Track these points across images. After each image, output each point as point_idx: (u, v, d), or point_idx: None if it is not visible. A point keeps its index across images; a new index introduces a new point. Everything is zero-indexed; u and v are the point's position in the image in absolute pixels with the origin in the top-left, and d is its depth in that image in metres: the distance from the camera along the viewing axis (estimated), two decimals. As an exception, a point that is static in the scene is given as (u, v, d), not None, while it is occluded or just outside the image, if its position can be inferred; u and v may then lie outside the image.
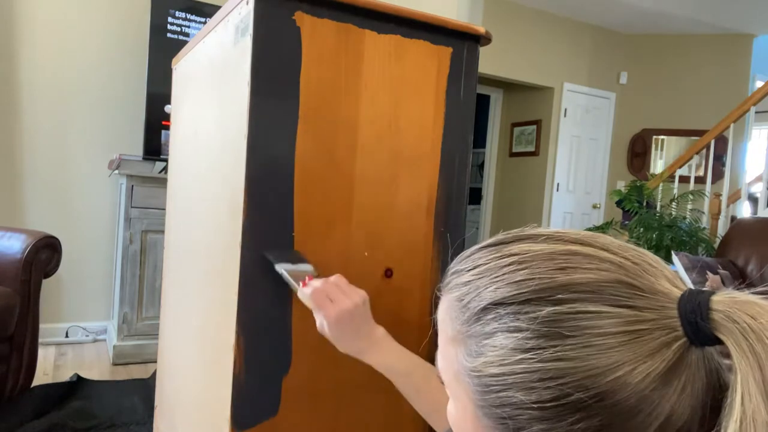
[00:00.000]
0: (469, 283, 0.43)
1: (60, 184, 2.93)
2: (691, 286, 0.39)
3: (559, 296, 0.38)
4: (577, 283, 0.39)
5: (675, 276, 0.41)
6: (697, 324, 0.36)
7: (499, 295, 0.40)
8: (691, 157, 4.22)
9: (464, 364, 0.42)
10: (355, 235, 0.94)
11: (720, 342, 0.36)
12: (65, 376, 2.41)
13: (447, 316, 0.44)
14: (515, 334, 0.39)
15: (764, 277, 2.94)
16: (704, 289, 0.39)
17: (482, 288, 0.42)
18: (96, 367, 2.60)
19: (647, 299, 0.38)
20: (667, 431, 0.37)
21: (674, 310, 0.38)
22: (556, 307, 0.38)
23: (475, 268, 0.44)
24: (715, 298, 0.37)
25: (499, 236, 0.45)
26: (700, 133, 4.94)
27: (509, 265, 0.41)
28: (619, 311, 0.37)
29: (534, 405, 0.38)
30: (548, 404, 0.37)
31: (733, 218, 3.95)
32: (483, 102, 5.84)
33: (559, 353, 0.37)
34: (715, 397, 0.37)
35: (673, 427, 0.37)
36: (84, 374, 2.41)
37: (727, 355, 0.36)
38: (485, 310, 0.41)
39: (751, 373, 0.34)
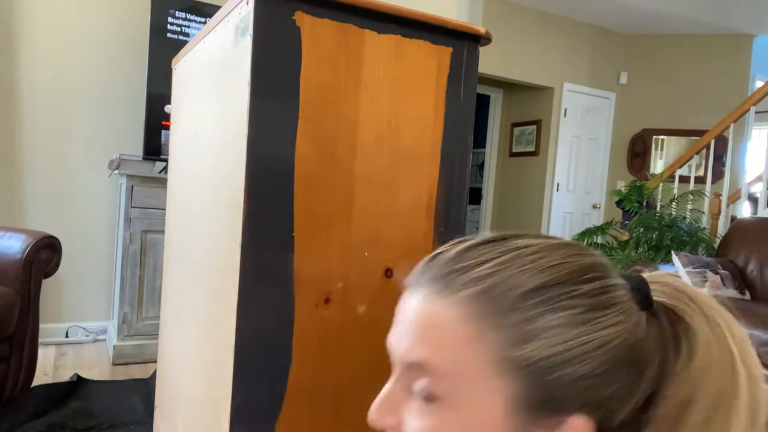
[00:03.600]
0: (489, 276, 0.43)
1: (60, 184, 2.93)
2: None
3: (590, 275, 0.44)
4: (597, 264, 0.45)
5: None
6: (646, 293, 0.46)
7: (536, 281, 0.43)
8: (691, 157, 4.22)
9: (503, 354, 0.42)
10: (355, 235, 0.94)
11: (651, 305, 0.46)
12: (65, 376, 2.41)
13: (458, 317, 0.43)
14: (566, 312, 0.42)
15: (764, 277, 2.94)
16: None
17: (513, 277, 0.43)
18: (96, 367, 2.60)
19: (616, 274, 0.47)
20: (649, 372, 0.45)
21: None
22: (594, 284, 0.44)
23: (485, 263, 0.44)
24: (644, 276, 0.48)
25: (488, 235, 0.48)
26: (700, 133, 4.94)
27: (530, 255, 0.44)
28: (623, 282, 0.46)
29: (588, 375, 0.42)
30: (599, 370, 0.42)
31: (733, 218, 3.95)
32: (483, 102, 5.84)
33: (606, 321, 0.43)
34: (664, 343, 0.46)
35: (653, 368, 0.45)
36: (84, 374, 2.41)
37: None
38: (524, 296, 0.42)
39: (700, 323, 0.45)
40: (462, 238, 0.48)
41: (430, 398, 0.43)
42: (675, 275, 0.48)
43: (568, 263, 0.44)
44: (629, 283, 0.46)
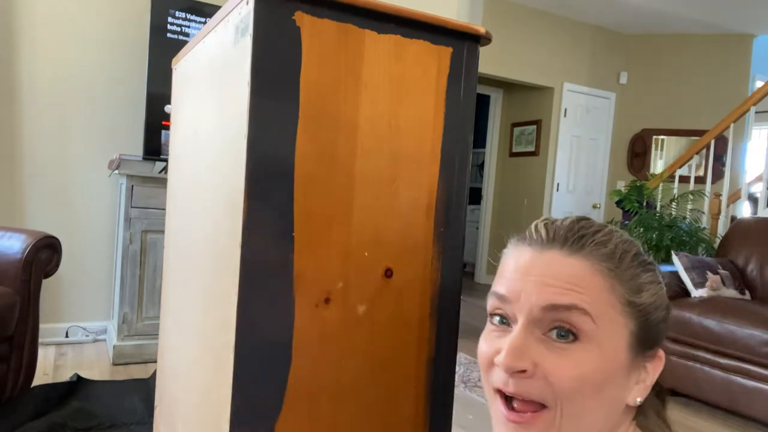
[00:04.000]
0: (608, 242, 0.57)
1: (60, 184, 2.93)
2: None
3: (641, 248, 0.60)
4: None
5: None
6: None
7: (634, 249, 0.58)
8: (691, 157, 4.22)
9: (627, 299, 0.55)
10: (355, 235, 0.94)
11: None
12: (65, 376, 2.41)
13: (596, 271, 0.55)
14: (651, 273, 0.58)
15: (764, 277, 2.94)
16: None
17: (620, 244, 0.57)
18: (96, 367, 2.60)
19: None
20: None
21: None
22: (647, 254, 0.60)
23: (598, 231, 0.58)
24: None
25: (574, 215, 0.61)
26: (700, 133, 4.94)
27: (616, 231, 0.59)
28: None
29: (663, 319, 0.58)
30: (666, 317, 0.59)
31: (733, 218, 3.95)
32: (483, 102, 5.84)
33: (662, 283, 0.59)
34: None
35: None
36: (84, 374, 2.41)
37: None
38: (633, 258, 0.57)
39: None
40: (546, 217, 0.61)
41: (574, 337, 0.53)
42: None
43: (637, 241, 0.60)
44: None
